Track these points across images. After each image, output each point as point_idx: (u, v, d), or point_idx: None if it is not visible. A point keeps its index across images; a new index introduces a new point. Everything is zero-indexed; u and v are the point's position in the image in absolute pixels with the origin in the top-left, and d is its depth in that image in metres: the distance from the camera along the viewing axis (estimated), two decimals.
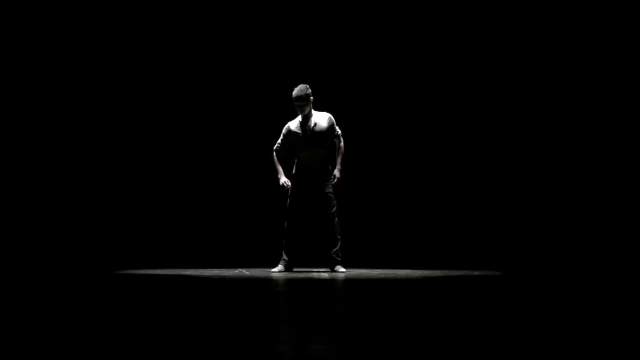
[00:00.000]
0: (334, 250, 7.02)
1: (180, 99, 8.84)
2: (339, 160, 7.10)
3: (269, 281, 5.94)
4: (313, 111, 7.08)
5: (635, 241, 7.57)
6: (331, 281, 5.95)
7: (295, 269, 7.12)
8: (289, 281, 5.93)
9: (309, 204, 7.06)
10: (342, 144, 7.12)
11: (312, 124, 7.04)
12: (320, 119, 7.06)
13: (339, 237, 7.04)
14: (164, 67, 8.78)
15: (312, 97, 7.00)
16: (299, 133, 7.05)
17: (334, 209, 7.06)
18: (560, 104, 8.17)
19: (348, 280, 6.02)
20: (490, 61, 8.50)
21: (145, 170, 8.71)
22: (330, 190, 7.04)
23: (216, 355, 2.53)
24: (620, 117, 7.94)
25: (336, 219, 7.06)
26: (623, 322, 3.39)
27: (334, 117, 7.16)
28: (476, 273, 6.78)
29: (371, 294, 4.93)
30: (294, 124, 7.12)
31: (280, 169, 7.18)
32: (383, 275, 6.50)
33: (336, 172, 7.06)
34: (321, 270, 7.30)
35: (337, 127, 7.11)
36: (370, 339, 2.86)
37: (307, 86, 6.99)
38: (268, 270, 7.14)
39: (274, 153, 7.22)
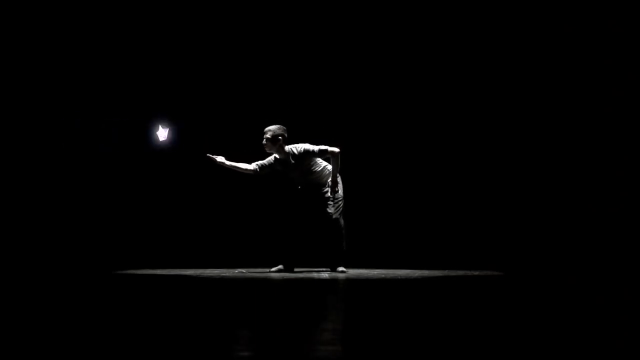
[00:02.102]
0: (337, 251, 7.00)
1: (179, 99, 8.84)
2: (333, 172, 6.85)
3: (269, 281, 5.94)
4: (287, 147, 6.93)
5: (635, 241, 7.57)
6: (331, 281, 5.95)
7: (295, 269, 7.12)
8: (288, 281, 5.93)
9: (309, 206, 7.03)
10: (331, 155, 6.82)
11: (290, 161, 6.94)
12: (294, 156, 6.92)
13: (342, 238, 7.01)
14: (164, 70, 8.77)
15: (280, 138, 6.87)
16: (282, 168, 7.01)
17: (338, 210, 7.00)
18: (560, 105, 8.17)
19: (348, 280, 6.02)
20: (488, 62, 8.49)
21: (145, 171, 8.71)
22: (332, 194, 6.96)
23: (216, 356, 2.53)
24: (621, 117, 7.94)
25: (341, 220, 7.01)
26: (623, 322, 3.39)
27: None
28: (476, 273, 6.77)
29: (371, 294, 4.92)
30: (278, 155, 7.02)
31: (232, 164, 7.00)
32: (383, 275, 6.50)
33: (329, 189, 6.90)
34: (321, 270, 7.29)
35: (314, 148, 6.85)
36: (370, 339, 2.86)
37: (279, 127, 6.90)
38: (268, 270, 7.13)
39: (254, 171, 7.07)
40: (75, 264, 7.86)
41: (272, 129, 6.88)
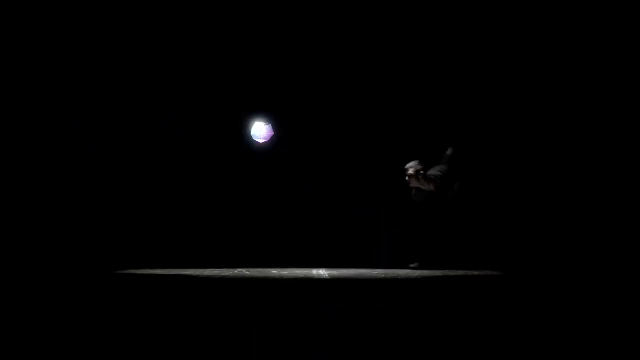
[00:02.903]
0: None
1: (177, 97, 8.83)
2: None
3: (269, 282, 5.94)
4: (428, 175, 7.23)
5: (635, 241, 7.57)
6: (331, 282, 5.95)
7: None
8: (288, 282, 5.93)
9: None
10: None
11: (434, 188, 7.26)
12: (441, 181, 7.31)
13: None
14: (161, 69, 8.76)
15: (422, 172, 7.22)
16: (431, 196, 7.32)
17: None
18: (560, 105, 8.17)
19: (348, 281, 6.02)
20: (486, 62, 8.49)
21: (144, 170, 8.70)
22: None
23: (215, 356, 2.53)
24: (621, 117, 7.94)
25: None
26: (623, 322, 3.38)
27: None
28: (476, 273, 6.77)
29: (371, 294, 4.92)
30: None
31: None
32: (383, 275, 6.50)
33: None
34: (320, 270, 7.29)
35: (445, 165, 7.37)
36: (370, 339, 2.86)
37: (417, 162, 7.27)
38: (268, 270, 7.13)
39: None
40: (75, 264, 7.86)
41: (412, 165, 7.27)
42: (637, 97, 7.90)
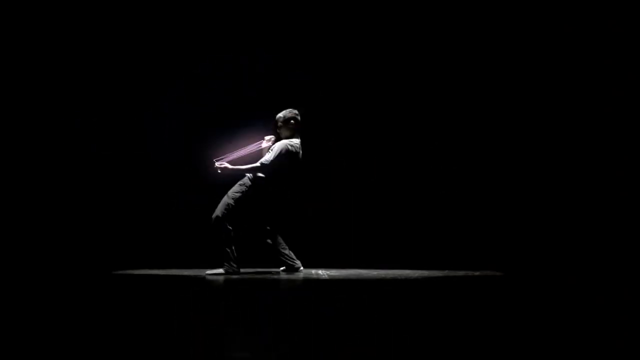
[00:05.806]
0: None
1: (175, 96, 8.82)
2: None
3: (269, 282, 5.93)
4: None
5: (635, 241, 7.57)
6: (331, 282, 5.94)
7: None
8: (288, 282, 5.92)
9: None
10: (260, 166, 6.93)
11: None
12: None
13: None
14: (161, 70, 8.76)
15: (292, 121, 6.96)
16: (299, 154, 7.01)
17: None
18: (560, 105, 8.16)
19: (348, 281, 6.02)
20: (488, 62, 8.49)
21: (144, 170, 8.70)
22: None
23: (215, 357, 2.52)
24: (621, 117, 7.94)
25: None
26: (623, 322, 3.38)
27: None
28: (477, 273, 6.77)
29: (371, 294, 4.92)
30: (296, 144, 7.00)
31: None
32: (383, 275, 6.50)
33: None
34: (319, 270, 7.29)
35: (274, 155, 6.89)
36: (370, 339, 2.85)
37: (290, 110, 6.98)
38: (267, 270, 7.12)
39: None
40: (74, 264, 7.86)
41: (284, 113, 7.01)
42: (637, 97, 7.90)
